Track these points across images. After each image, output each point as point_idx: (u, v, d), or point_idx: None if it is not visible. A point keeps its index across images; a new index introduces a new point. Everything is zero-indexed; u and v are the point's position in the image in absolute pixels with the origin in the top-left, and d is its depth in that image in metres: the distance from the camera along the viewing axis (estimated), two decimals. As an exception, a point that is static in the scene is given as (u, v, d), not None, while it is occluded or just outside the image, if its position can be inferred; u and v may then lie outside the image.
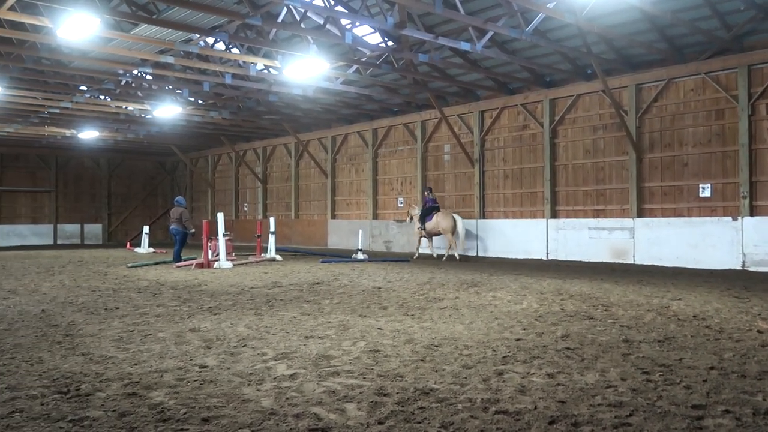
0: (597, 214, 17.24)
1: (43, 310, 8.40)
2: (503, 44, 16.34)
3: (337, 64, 16.09)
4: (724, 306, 8.56)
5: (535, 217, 18.59)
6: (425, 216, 18.80)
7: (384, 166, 23.76)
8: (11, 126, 25.06)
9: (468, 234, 19.85)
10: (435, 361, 5.39)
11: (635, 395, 4.39)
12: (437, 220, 18.36)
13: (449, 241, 18.26)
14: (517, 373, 5.00)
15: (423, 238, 19.07)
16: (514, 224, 18.89)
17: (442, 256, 18.82)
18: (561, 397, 4.33)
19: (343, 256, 19.24)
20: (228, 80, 17.04)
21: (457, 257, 18.25)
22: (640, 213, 16.24)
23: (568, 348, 5.90)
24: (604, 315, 7.86)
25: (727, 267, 14.26)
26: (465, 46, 13.76)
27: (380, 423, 3.85)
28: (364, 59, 16.11)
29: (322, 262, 17.36)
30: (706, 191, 15.18)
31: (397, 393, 4.45)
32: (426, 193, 19.56)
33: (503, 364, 5.29)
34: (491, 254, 19.25)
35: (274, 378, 4.86)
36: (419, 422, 3.86)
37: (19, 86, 18.51)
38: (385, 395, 4.40)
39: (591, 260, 16.77)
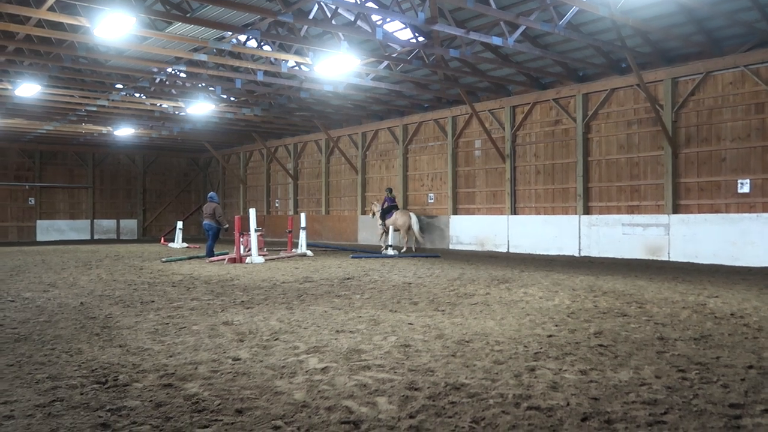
0: (631, 210, 16.96)
1: (81, 303, 8.62)
2: (535, 38, 16.17)
3: (367, 61, 16.11)
4: (763, 304, 8.35)
5: (567, 213, 18.38)
6: (385, 213, 20.94)
7: (414, 162, 23.73)
8: (50, 124, 25.69)
9: (497, 230, 19.76)
10: (466, 357, 5.38)
11: (670, 393, 4.32)
12: (395, 217, 20.50)
13: (404, 235, 20.40)
14: (549, 369, 4.97)
15: (385, 233, 20.81)
16: (546, 220, 18.70)
17: (402, 248, 20.58)
18: (594, 394, 4.29)
19: (373, 252, 19.28)
20: (260, 77, 17.20)
21: (413, 249, 20.30)
22: (676, 209, 15.93)
23: (601, 345, 5.83)
24: (638, 312, 7.75)
25: (766, 264, 13.90)
26: (497, 40, 13.65)
27: (411, 417, 3.86)
28: (394, 55, 16.10)
29: (352, 257, 17.44)
30: (744, 187, 14.81)
31: (428, 387, 4.46)
32: (386, 193, 21.96)
33: (535, 360, 5.25)
34: (522, 251, 19.10)
35: (306, 371, 4.91)
36: (450, 417, 3.86)
37: (58, 85, 18.96)
38: (416, 389, 4.42)
39: (624, 257, 16.51)
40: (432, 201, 22.85)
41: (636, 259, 16.16)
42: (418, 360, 5.27)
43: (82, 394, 4.31)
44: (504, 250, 19.60)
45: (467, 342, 5.97)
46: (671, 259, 15.63)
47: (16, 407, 4.01)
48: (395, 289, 10.08)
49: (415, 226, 20.11)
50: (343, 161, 26.79)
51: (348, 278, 11.83)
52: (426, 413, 3.93)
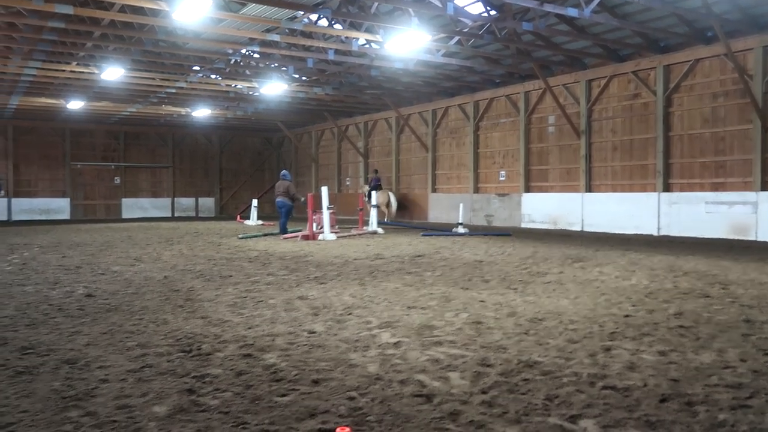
0: (715, 187, 16.16)
1: (165, 277, 9.06)
2: (613, 8, 15.52)
3: (438, 36, 15.95)
4: None
5: (645, 191, 17.72)
6: (371, 192, 24.23)
7: (485, 139, 23.41)
8: (133, 106, 26.87)
9: (571, 208, 19.31)
10: (539, 335, 5.33)
11: (756, 377, 4.14)
12: (376, 195, 23.62)
13: (383, 211, 23.28)
14: (625, 349, 4.86)
15: (372, 209, 22.29)
16: (622, 198, 18.10)
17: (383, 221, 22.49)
18: (673, 376, 4.17)
19: (444, 229, 19.25)
20: (331, 56, 17.35)
21: (387, 221, 22.86)
22: (765, 186, 15.06)
23: (681, 326, 5.64)
24: (722, 293, 7.43)
25: None
26: (572, 12, 13.21)
27: (483, 392, 3.88)
28: (465, 30, 15.85)
29: (422, 235, 17.47)
30: (843, 162, 13.82)
31: (500, 364, 4.46)
32: (372, 174, 25.97)
33: (611, 340, 5.15)
34: (597, 229, 18.59)
35: (379, 345, 5.00)
36: (523, 393, 3.85)
37: (140, 68, 19.76)
38: (488, 366, 4.42)
39: (707, 236, 15.80)
40: (503, 179, 22.54)
41: (719, 239, 15.43)
42: (489, 337, 5.26)
43: (168, 361, 4.55)
44: (578, 228, 19.14)
45: (540, 320, 5.91)
46: (759, 239, 14.84)
47: (111, 372, 4.29)
48: (466, 267, 10.05)
49: (394, 203, 22.84)
50: (413, 139, 26.75)
51: (419, 256, 11.89)
52: (498, 389, 3.93)
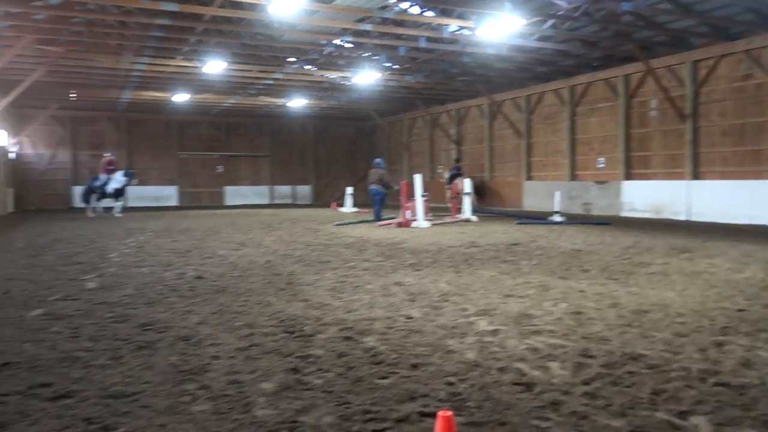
0: (841, 173, 14.83)
1: (267, 261, 9.43)
2: (725, -17, 14.51)
3: (531, 20, 15.51)
4: None
5: (760, 178, 16.52)
6: (451, 179, 24.68)
7: (582, 125, 22.62)
8: (233, 98, 27.99)
9: (676, 196, 18.36)
10: (643, 327, 5.14)
11: None
12: (456, 182, 23.56)
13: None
14: (739, 345, 4.59)
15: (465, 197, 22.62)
16: (734, 186, 16.98)
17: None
18: (795, 374, 3.91)
19: (539, 218, 18.83)
20: (422, 44, 17.30)
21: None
22: None
23: (802, 322, 5.26)
24: None
25: None
26: (679, -12, 12.46)
27: (586, 383, 3.79)
28: (560, 13, 15.33)
29: (517, 223, 17.19)
30: None
31: (602, 356, 4.34)
32: (454, 162, 26.83)
33: (723, 335, 4.88)
34: (704, 219, 17.56)
35: (476, 333, 4.99)
36: (628, 386, 3.74)
37: (238, 61, 20.54)
38: (589, 357, 4.32)
39: (831, 227, 14.56)
40: (602, 166, 21.71)
41: None
42: (591, 328, 5.13)
43: (274, 341, 4.76)
44: (683, 217, 18.16)
45: (644, 312, 5.69)
46: None
47: (221, 349, 4.54)
48: (564, 256, 9.81)
49: (471, 191, 22.01)
50: (506, 126, 26.26)
51: (514, 244, 11.71)
52: (601, 381, 3.84)
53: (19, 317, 5.64)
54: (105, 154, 24.08)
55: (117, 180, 22.59)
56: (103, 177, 22.85)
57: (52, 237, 14.00)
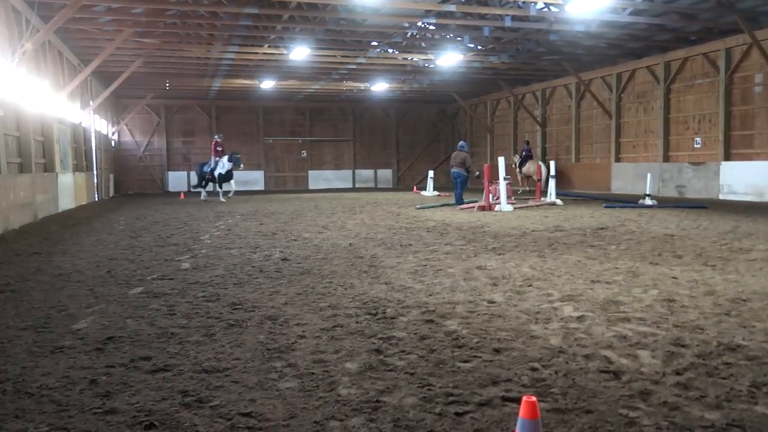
0: None
1: (350, 244, 9.59)
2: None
3: (625, -7, 14.84)
4: None
5: None
6: (522, 163, 25.68)
7: (677, 103, 21.48)
8: (317, 83, 28.48)
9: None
10: (742, 317, 4.86)
11: None
12: (528, 166, 25.00)
13: (535, 180, 23.08)
14: None
15: (522, 179, 24.57)
16: None
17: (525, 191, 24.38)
18: None
19: (629, 201, 18.12)
20: (507, 23, 16.92)
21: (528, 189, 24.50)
22: None
23: None
24: None
25: None
26: (789, -48, 11.54)
27: (678, 374, 3.64)
28: (657, -16, 14.56)
29: (605, 207, 16.62)
30: None
31: (696, 345, 4.15)
32: (524, 144, 27.49)
33: (833, 326, 4.54)
34: (814, 201, 16.34)
35: (561, 318, 4.89)
36: (724, 378, 3.56)
37: (323, 47, 20.85)
38: (682, 346, 4.14)
39: None
40: (698, 146, 20.58)
41: None
42: (684, 316, 4.91)
43: (357, 322, 4.85)
44: (789, 200, 16.96)
45: (744, 301, 5.38)
46: None
47: (307, 329, 4.67)
48: (655, 241, 9.40)
49: (544, 174, 21.78)
50: (594, 105, 25.33)
51: (602, 228, 11.34)
52: (695, 371, 3.67)
53: (122, 295, 6.03)
54: (215, 136, 23.59)
55: (223, 164, 22.27)
56: (212, 160, 22.57)
57: (149, 220, 14.81)
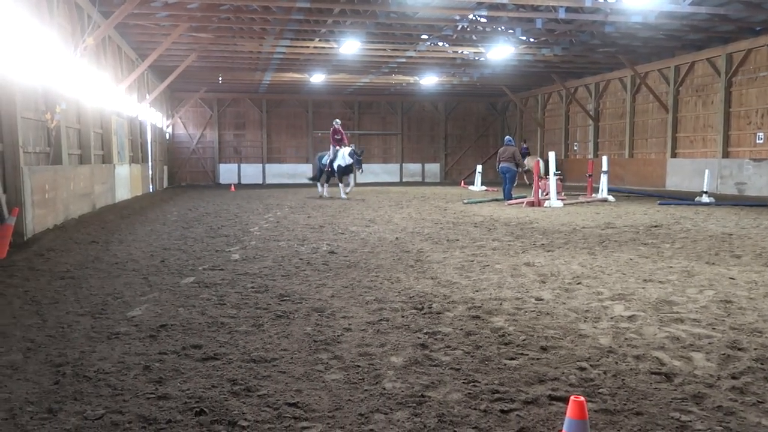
0: None
1: (396, 238, 9.61)
2: None
3: (685, -17, 14.34)
4: None
5: None
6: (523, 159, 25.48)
7: (739, 96, 20.65)
8: (367, 77, 28.54)
9: None
10: (805, 320, 4.67)
11: None
12: (527, 161, 25.83)
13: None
14: None
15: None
16: None
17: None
18: None
19: (685, 198, 17.57)
20: (561, 14, 16.58)
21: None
22: None
23: None
24: None
25: None
26: None
27: (734, 378, 3.53)
28: (719, -27, 14.01)
29: (660, 204, 16.17)
30: None
31: (755, 349, 4.01)
32: (522, 143, 30.00)
33: None
34: None
35: (611, 318, 4.80)
36: (784, 384, 3.43)
37: (373, 40, 20.86)
38: (739, 350, 4.01)
39: None
40: (761, 141, 19.76)
41: None
42: (742, 318, 4.75)
43: (403, 317, 4.87)
44: None
45: (807, 304, 5.16)
46: None
47: (353, 322, 4.72)
48: (712, 240, 9.10)
49: (541, 167, 21.59)
50: (650, 99, 24.60)
51: (655, 226, 11.04)
52: (752, 376, 3.55)
53: (174, 284, 6.21)
54: (333, 122, 20.83)
55: (344, 156, 19.38)
56: (331, 150, 19.94)
57: (201, 211, 15.17)
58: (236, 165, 34.48)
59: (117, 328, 4.59)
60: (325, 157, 20.20)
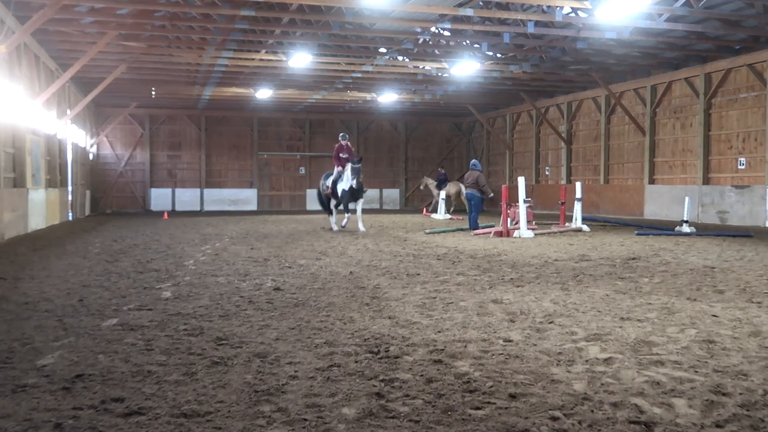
0: None
1: (351, 272, 9.58)
2: None
3: (660, -2, 14.97)
4: None
5: None
6: (441, 184, 28.20)
7: (719, 119, 21.50)
8: (319, 93, 28.70)
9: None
10: (792, 361, 4.80)
11: None
12: (448, 187, 27.68)
13: (454, 200, 27.94)
14: None
15: (439, 201, 26.57)
16: None
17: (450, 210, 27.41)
18: None
19: (664, 228, 18.07)
20: (530, 29, 17.06)
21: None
22: None
23: None
24: None
25: None
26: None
27: (718, 426, 3.60)
28: (696, -12, 14.68)
29: (637, 234, 16.58)
30: None
31: (740, 394, 4.10)
32: (440, 170, 31.30)
33: None
34: None
35: (586, 360, 4.85)
36: (771, 432, 3.51)
37: (326, 53, 21.08)
38: (723, 395, 4.09)
39: None
40: (743, 167, 20.56)
41: None
42: (726, 360, 4.85)
43: (356, 362, 4.82)
44: None
45: (793, 343, 5.32)
46: None
47: (300, 368, 4.64)
48: (694, 274, 9.35)
49: (463, 194, 24.06)
50: (626, 121, 25.41)
51: (633, 258, 11.30)
52: (738, 424, 3.62)
53: (94, 327, 6.02)
54: (340, 137, 18.83)
55: (348, 179, 17.64)
56: (335, 171, 18.24)
57: (128, 242, 14.85)
58: (170, 190, 34.02)
59: (24, 379, 4.41)
60: (330, 179, 18.48)
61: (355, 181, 17.23)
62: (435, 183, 29.31)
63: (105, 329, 5.91)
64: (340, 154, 18.18)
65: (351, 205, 18.02)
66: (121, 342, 5.42)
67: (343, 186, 17.67)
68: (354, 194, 17.61)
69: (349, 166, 17.60)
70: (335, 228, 18.05)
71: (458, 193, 28.23)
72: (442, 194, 26.93)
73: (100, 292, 7.95)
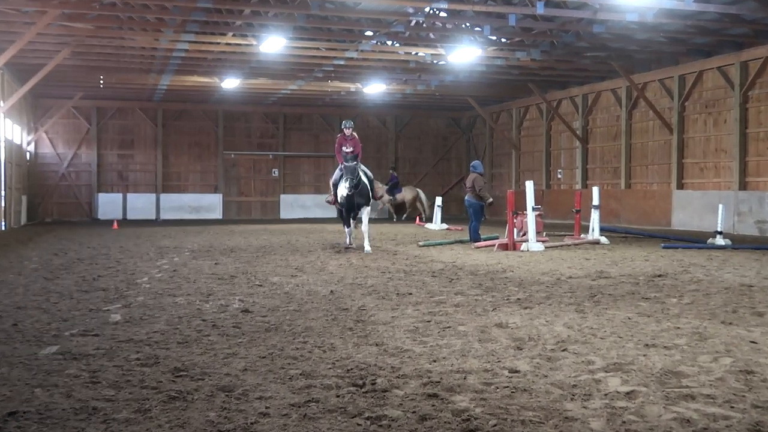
0: None
1: (331, 291, 9.57)
2: None
3: (689, -25, 15.13)
4: None
5: None
6: (393, 189, 30.23)
7: (757, 114, 21.71)
8: (295, 83, 28.73)
9: None
10: (842, 395, 4.84)
11: None
12: (404, 193, 29.98)
13: (409, 207, 31.23)
14: None
15: (391, 206, 29.18)
16: None
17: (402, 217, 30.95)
18: None
19: (695, 240, 18.20)
20: (540, 9, 17.16)
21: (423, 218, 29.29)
22: None
23: None
24: None
25: None
26: None
27: (758, 470, 3.61)
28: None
29: (664, 247, 16.69)
30: None
31: (782, 432, 4.13)
32: (391, 172, 32.93)
33: None
34: None
35: (605, 394, 4.86)
36: (818, 477, 3.53)
37: (303, 37, 21.11)
38: (763, 433, 4.12)
39: None
40: (784, 169, 20.73)
41: None
42: (766, 393, 4.89)
43: (338, 396, 4.81)
44: None
45: (843, 374, 5.36)
46: None
47: (271, 404, 4.63)
48: (729, 293, 9.42)
49: (425, 201, 27.53)
50: (650, 116, 25.61)
51: (659, 275, 11.37)
52: (780, 468, 3.64)
53: (30, 355, 5.97)
54: (343, 124, 17.03)
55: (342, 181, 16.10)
56: (337, 171, 16.58)
57: (71, 256, 14.77)
58: (121, 195, 33.91)
59: (-53, 417, 4.37)
60: (334, 182, 16.84)
61: (348, 185, 15.43)
62: (386, 188, 30.22)
63: (43, 358, 5.87)
64: (343, 148, 16.24)
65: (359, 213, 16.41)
66: (61, 373, 5.38)
67: (340, 191, 16.01)
68: (350, 202, 15.83)
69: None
70: (351, 244, 16.53)
71: (415, 199, 29.66)
72: (389, 199, 27.02)
73: (38, 314, 7.89)
